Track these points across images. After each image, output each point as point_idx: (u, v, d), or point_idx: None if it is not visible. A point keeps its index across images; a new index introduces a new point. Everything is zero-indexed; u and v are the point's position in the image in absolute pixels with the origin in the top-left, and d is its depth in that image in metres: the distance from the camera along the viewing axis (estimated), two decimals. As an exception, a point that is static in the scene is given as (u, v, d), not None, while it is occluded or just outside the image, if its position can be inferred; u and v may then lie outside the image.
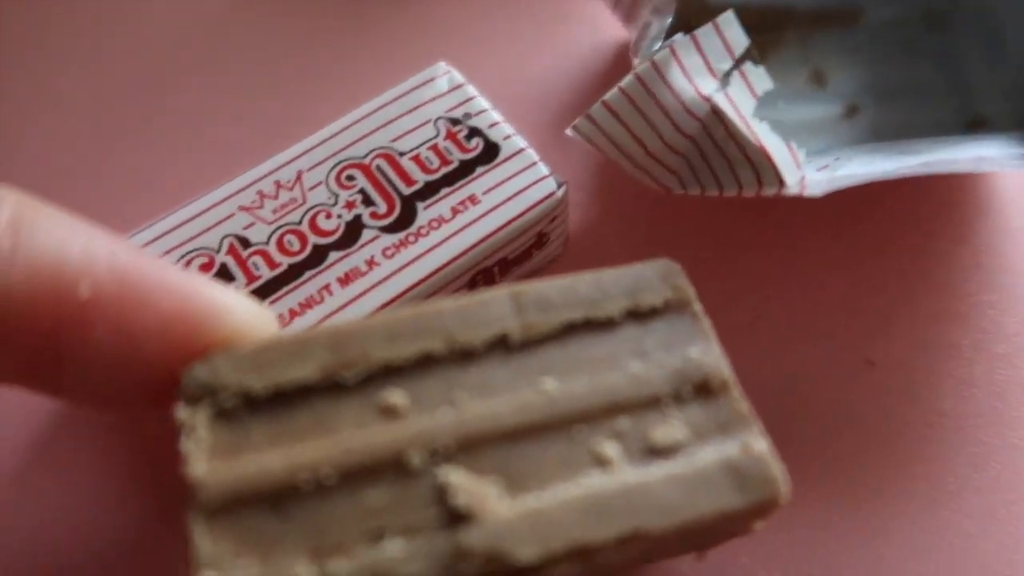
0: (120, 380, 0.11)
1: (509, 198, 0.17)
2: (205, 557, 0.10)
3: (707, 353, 0.12)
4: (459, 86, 0.18)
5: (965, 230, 0.20)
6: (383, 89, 0.18)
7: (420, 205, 0.17)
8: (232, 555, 0.10)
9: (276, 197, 0.17)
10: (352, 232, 0.16)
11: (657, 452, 0.11)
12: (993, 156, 0.16)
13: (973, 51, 0.22)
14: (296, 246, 0.16)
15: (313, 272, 0.16)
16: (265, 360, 0.11)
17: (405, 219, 0.16)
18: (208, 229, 0.16)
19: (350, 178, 0.17)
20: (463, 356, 0.11)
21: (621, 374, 0.11)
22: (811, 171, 0.16)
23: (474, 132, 0.17)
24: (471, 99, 0.18)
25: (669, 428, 0.11)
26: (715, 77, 0.16)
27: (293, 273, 0.16)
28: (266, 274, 0.16)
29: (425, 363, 0.11)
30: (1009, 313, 0.19)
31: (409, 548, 0.10)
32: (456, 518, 0.10)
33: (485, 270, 0.17)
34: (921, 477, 0.17)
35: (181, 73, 0.23)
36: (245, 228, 0.16)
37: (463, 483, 0.10)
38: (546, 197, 0.17)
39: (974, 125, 0.21)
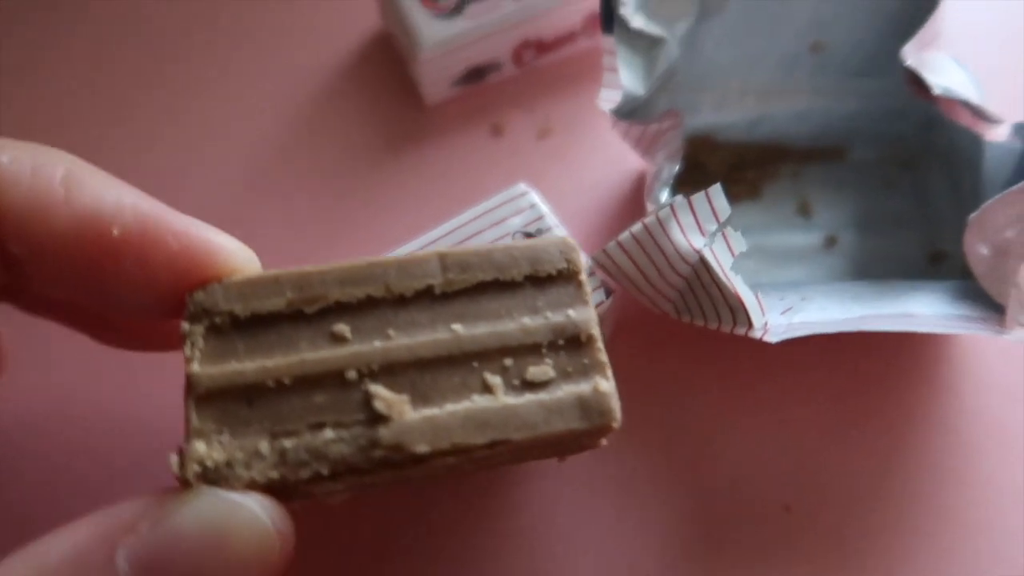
0: (143, 299, 0.15)
1: (569, 304, 0.21)
2: (195, 430, 0.14)
3: (582, 314, 0.15)
4: (533, 205, 0.23)
5: (877, 397, 0.24)
6: (476, 201, 0.23)
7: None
8: (214, 431, 0.14)
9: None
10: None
11: (530, 385, 0.15)
12: (922, 314, 0.20)
13: (940, 189, 0.27)
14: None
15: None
16: (249, 292, 0.15)
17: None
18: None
19: (447, 278, 0.21)
20: (398, 301, 0.15)
21: (515, 324, 0.15)
22: (775, 316, 0.20)
23: (543, 245, 0.22)
24: (542, 217, 0.22)
25: (542, 368, 0.15)
26: (704, 235, 0.20)
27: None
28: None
29: (368, 304, 0.15)
30: (906, 468, 0.23)
31: (339, 436, 0.14)
32: (375, 418, 0.14)
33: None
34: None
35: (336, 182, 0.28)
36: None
37: (383, 394, 0.14)
38: (597, 305, 0.21)
39: (936, 258, 0.26)
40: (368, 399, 0.14)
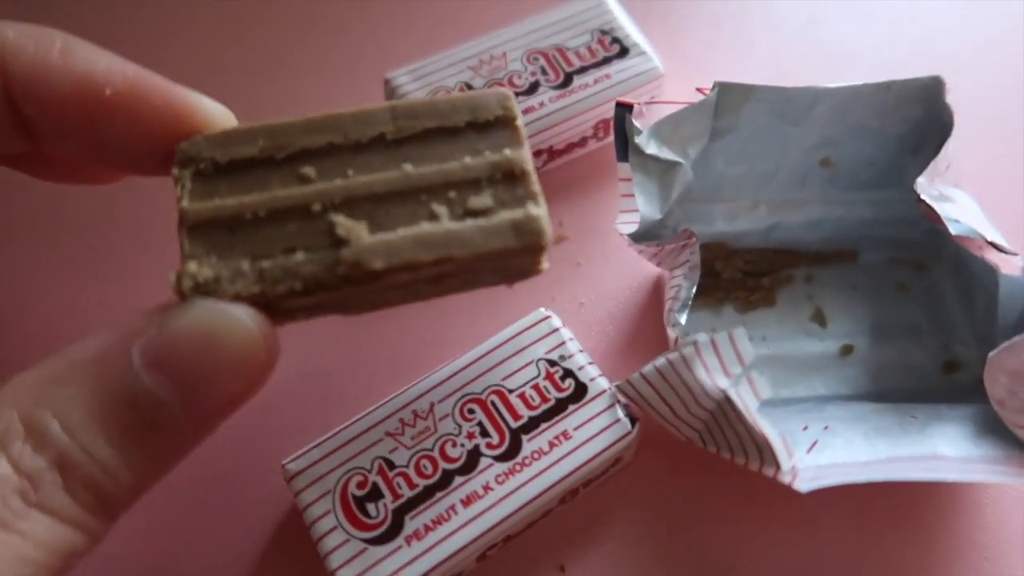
0: (137, 150, 0.17)
1: (594, 436, 0.21)
2: (188, 254, 0.16)
3: (517, 152, 0.17)
4: (555, 330, 0.23)
5: (900, 513, 0.24)
6: (496, 327, 0.23)
7: (524, 438, 0.21)
8: (204, 254, 0.16)
9: (414, 425, 0.21)
10: (472, 460, 0.21)
11: (472, 213, 0.17)
12: (947, 456, 0.20)
13: (950, 294, 0.27)
14: (429, 470, 0.20)
15: (442, 494, 0.20)
16: (227, 141, 0.17)
17: (513, 450, 0.21)
18: (363, 451, 0.21)
19: (471, 411, 0.21)
20: (355, 146, 0.17)
21: (457, 163, 0.17)
22: (801, 453, 0.20)
23: (567, 373, 0.22)
24: (564, 343, 0.23)
25: (482, 198, 0.17)
26: (728, 377, 0.20)
27: (427, 494, 0.20)
28: (407, 493, 0.20)
29: (329, 149, 0.17)
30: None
31: (308, 257, 0.16)
32: (338, 242, 0.16)
33: (573, 490, 0.21)
34: None
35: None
36: (391, 452, 0.21)
37: (343, 222, 0.16)
38: (624, 436, 0.21)
39: (950, 367, 0.26)
40: (331, 227, 0.16)
